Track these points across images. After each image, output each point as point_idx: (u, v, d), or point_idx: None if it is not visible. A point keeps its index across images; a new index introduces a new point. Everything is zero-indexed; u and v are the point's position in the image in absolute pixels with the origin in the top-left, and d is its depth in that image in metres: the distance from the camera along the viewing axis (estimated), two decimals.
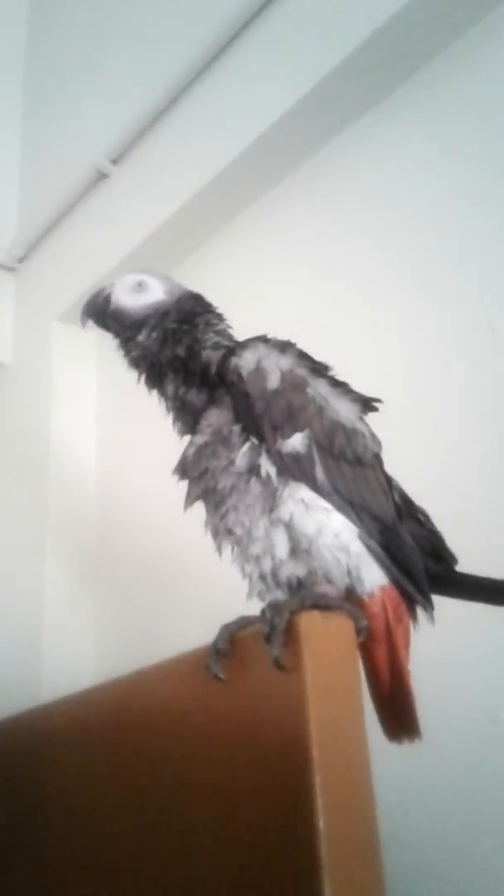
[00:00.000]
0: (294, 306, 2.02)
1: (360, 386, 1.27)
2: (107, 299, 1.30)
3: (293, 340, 1.24)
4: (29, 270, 2.85)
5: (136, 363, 1.29)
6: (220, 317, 1.32)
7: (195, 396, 1.23)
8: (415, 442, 1.64)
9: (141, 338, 1.26)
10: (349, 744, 0.96)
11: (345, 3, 1.89)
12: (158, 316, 1.27)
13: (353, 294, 1.95)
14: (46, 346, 2.66)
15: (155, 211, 2.34)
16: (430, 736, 1.20)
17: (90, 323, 1.33)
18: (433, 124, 1.87)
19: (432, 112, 1.87)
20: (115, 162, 2.52)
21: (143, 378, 1.29)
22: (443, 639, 1.25)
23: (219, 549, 1.22)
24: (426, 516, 1.27)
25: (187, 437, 1.26)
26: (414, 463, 1.58)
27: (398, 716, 1.14)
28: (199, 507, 1.25)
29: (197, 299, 1.33)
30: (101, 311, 1.31)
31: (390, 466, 1.28)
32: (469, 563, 1.28)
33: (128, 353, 1.29)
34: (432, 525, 1.27)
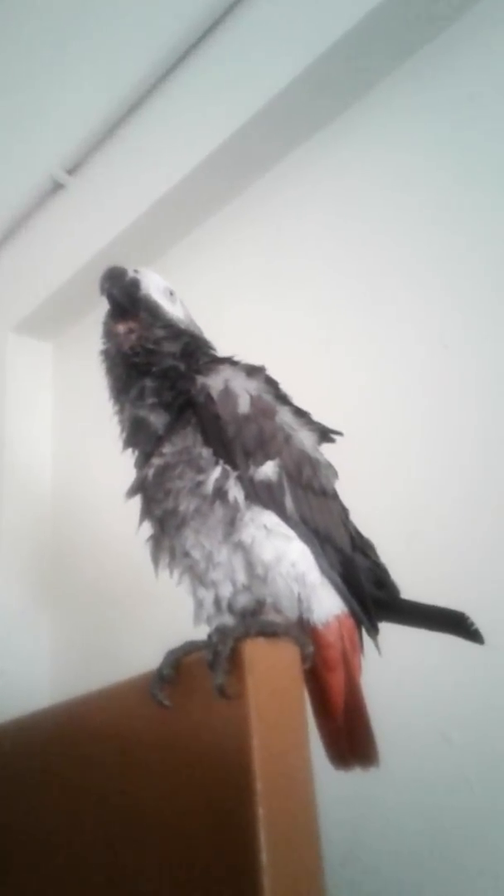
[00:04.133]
0: (248, 321, 2.01)
1: (311, 404, 1.26)
2: (135, 282, 1.22)
3: (261, 364, 1.22)
4: None
5: (129, 353, 1.19)
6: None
7: (158, 413, 1.17)
8: (366, 460, 1.64)
9: (165, 339, 1.20)
10: (294, 773, 0.95)
11: (299, 18, 1.89)
12: (187, 333, 1.24)
13: (305, 311, 1.95)
14: (1, 357, 2.62)
15: (111, 222, 2.32)
16: (383, 755, 1.19)
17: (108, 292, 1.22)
18: (391, 142, 1.88)
19: (391, 129, 1.88)
20: (71, 172, 2.50)
21: (118, 370, 1.21)
22: (395, 658, 1.25)
23: (156, 567, 1.20)
24: (372, 549, 1.27)
25: (131, 451, 1.22)
26: (367, 481, 1.58)
27: (353, 743, 1.13)
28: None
29: (206, 340, 1.30)
30: (129, 292, 1.21)
31: (342, 485, 1.27)
32: (421, 579, 1.28)
33: (130, 337, 1.20)
34: (377, 557, 1.26)
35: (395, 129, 1.86)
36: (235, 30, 2.08)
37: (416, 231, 1.77)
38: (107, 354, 1.23)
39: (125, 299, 1.21)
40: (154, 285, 1.24)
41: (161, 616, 1.92)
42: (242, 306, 2.07)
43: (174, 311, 1.25)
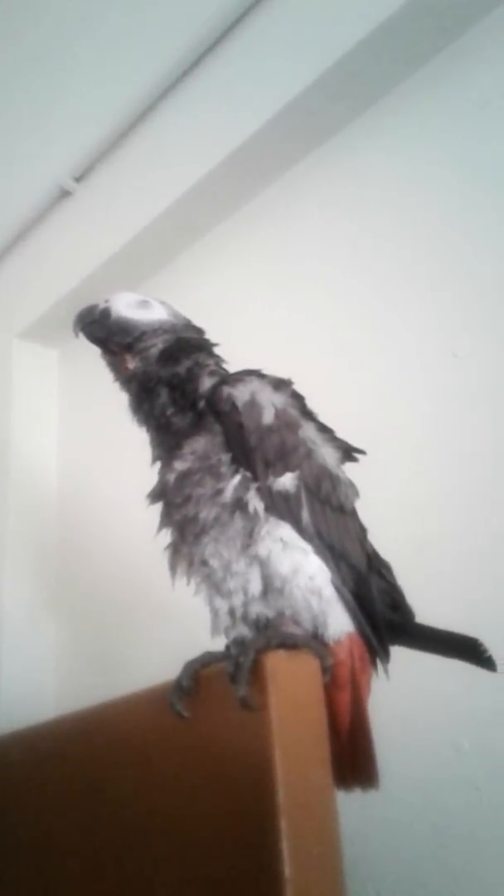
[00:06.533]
0: (257, 331, 2.01)
1: (322, 414, 1.27)
2: (105, 312, 1.28)
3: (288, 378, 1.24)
4: None
5: (131, 377, 1.25)
6: (216, 353, 1.31)
7: (180, 419, 1.20)
8: (378, 469, 1.64)
9: (153, 350, 1.24)
10: (316, 786, 0.95)
11: (311, 28, 1.90)
12: (171, 331, 1.27)
13: (315, 321, 1.95)
14: (7, 364, 2.62)
15: (118, 230, 2.32)
16: (393, 764, 1.20)
17: (80, 335, 1.31)
18: (401, 150, 1.88)
19: (397, 138, 1.88)
20: (78, 180, 2.49)
21: (132, 394, 1.25)
22: (405, 666, 1.25)
23: (173, 575, 1.20)
24: (389, 570, 1.27)
25: (158, 464, 1.24)
26: (378, 490, 1.59)
27: (354, 764, 1.12)
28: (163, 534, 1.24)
29: (199, 329, 1.33)
30: (100, 322, 1.28)
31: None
32: (431, 590, 1.28)
33: (127, 364, 1.26)
34: (393, 579, 1.26)
35: (405, 138, 1.87)
36: (245, 40, 2.08)
37: (427, 240, 1.77)
38: (125, 387, 1.27)
39: (99, 331, 1.29)
40: (124, 304, 1.29)
41: (167, 626, 1.93)
42: (249, 315, 2.07)
43: (151, 316, 1.28)
